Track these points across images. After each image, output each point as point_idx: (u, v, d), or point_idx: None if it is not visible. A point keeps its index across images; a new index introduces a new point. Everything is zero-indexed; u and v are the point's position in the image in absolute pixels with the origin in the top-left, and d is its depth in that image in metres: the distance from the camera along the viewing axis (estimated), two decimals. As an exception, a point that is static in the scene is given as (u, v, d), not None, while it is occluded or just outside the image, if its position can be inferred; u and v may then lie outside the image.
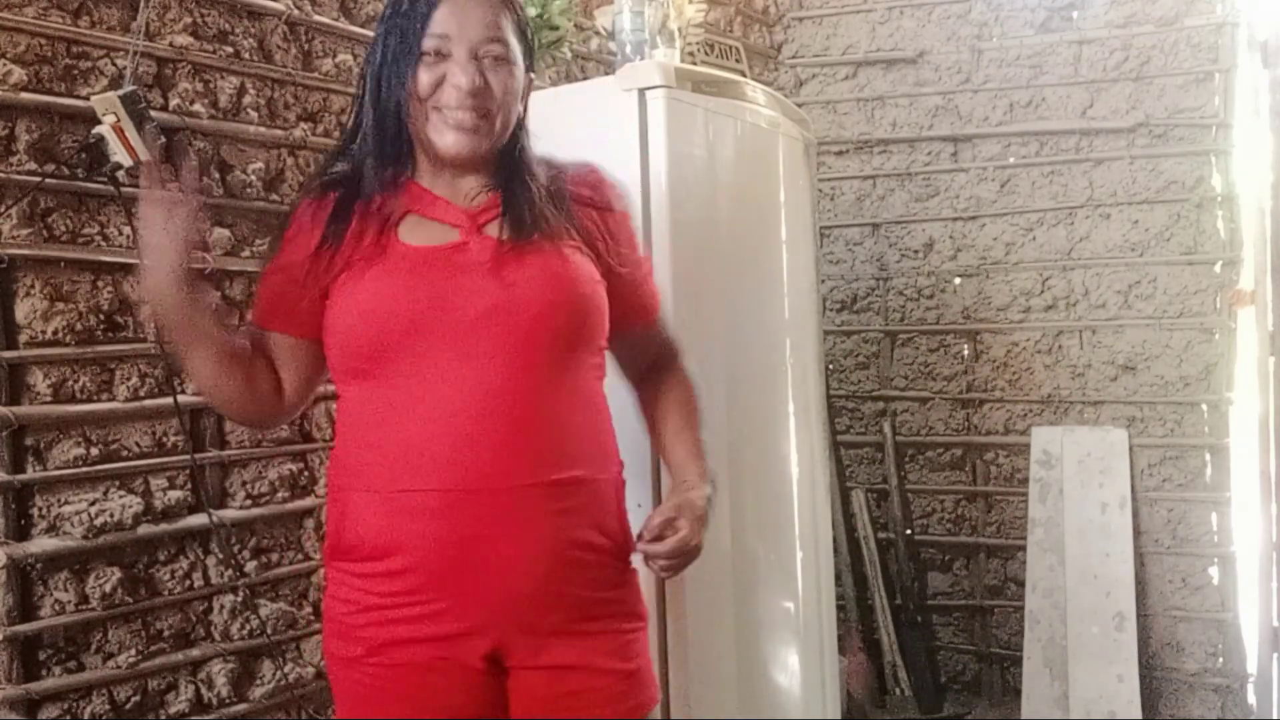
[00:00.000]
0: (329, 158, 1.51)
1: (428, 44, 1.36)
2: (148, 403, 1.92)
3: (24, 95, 1.75)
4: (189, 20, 2.02)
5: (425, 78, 1.37)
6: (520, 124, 1.45)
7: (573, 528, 1.36)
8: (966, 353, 3.70)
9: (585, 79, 2.86)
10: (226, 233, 2.07)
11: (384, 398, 1.34)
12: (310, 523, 2.23)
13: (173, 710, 1.96)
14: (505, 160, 1.43)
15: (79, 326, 1.83)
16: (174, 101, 1.99)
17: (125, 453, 1.90)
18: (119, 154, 1.80)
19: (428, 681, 1.35)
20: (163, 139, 1.89)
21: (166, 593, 1.95)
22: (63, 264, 1.80)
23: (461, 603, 1.33)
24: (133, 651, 1.89)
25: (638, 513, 1.47)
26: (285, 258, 1.43)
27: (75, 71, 1.84)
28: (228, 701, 2.03)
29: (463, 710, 1.36)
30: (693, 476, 1.48)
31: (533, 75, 1.48)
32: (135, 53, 1.89)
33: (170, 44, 1.98)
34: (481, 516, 1.31)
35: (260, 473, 2.13)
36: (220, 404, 1.50)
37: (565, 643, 1.37)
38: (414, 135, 1.40)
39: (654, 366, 1.59)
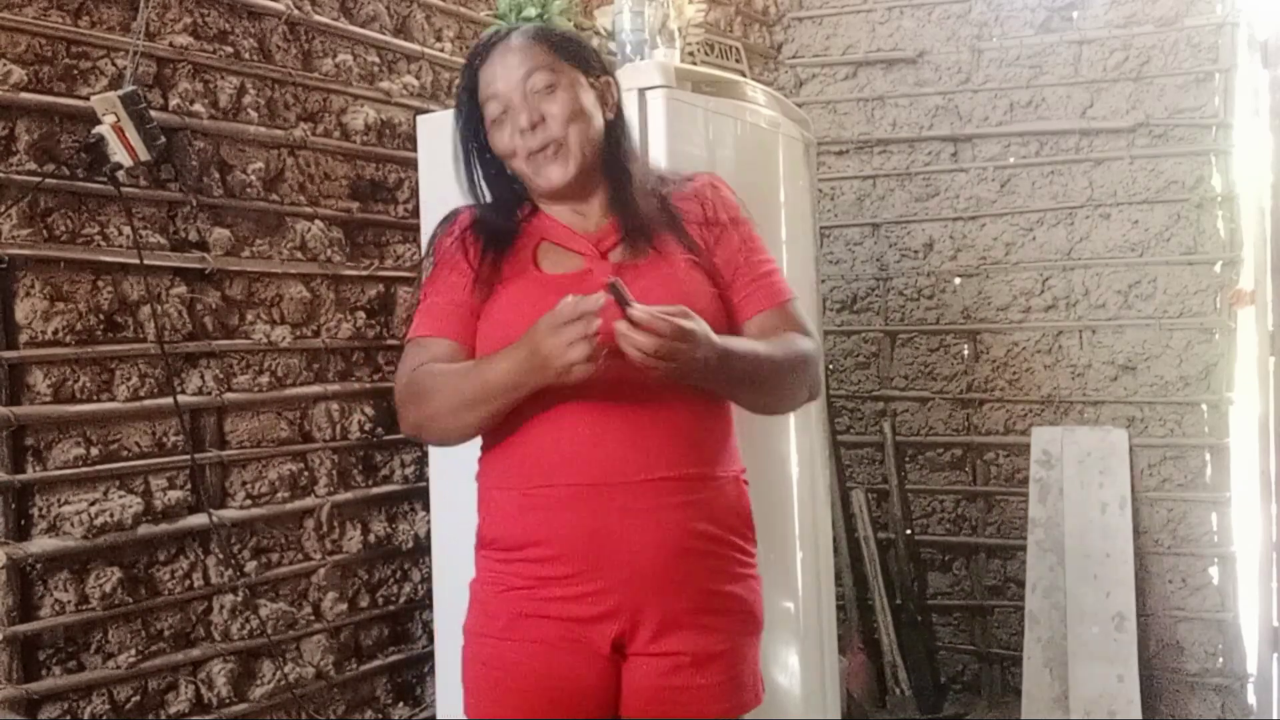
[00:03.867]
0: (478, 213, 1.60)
1: (491, 110, 1.51)
2: (148, 403, 1.92)
3: (24, 95, 1.75)
4: (189, 20, 2.02)
5: (500, 138, 1.51)
6: (616, 128, 1.55)
7: (693, 520, 1.45)
8: (966, 353, 3.70)
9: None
10: (226, 233, 2.07)
11: (521, 407, 1.42)
12: (310, 523, 2.23)
13: (173, 710, 1.96)
14: (613, 177, 1.54)
15: (79, 326, 1.83)
16: (174, 101, 1.99)
17: (125, 453, 1.90)
18: (119, 154, 1.81)
19: (556, 658, 1.45)
20: (163, 139, 1.89)
21: (166, 593, 1.95)
22: (63, 264, 1.80)
23: (597, 587, 1.42)
24: (133, 651, 1.89)
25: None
26: (454, 279, 1.53)
27: (75, 71, 1.84)
28: (228, 701, 2.03)
29: (586, 689, 1.46)
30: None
31: (608, 78, 1.56)
32: (135, 53, 1.89)
33: (170, 44, 1.98)
34: (608, 507, 1.42)
35: (260, 473, 2.13)
36: (463, 438, 1.55)
37: (685, 634, 1.45)
38: (523, 182, 1.55)
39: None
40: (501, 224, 1.55)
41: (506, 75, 1.49)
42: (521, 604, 1.46)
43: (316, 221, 2.26)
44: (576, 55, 1.53)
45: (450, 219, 1.60)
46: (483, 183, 1.58)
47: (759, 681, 1.55)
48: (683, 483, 1.44)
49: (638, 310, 1.29)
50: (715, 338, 1.37)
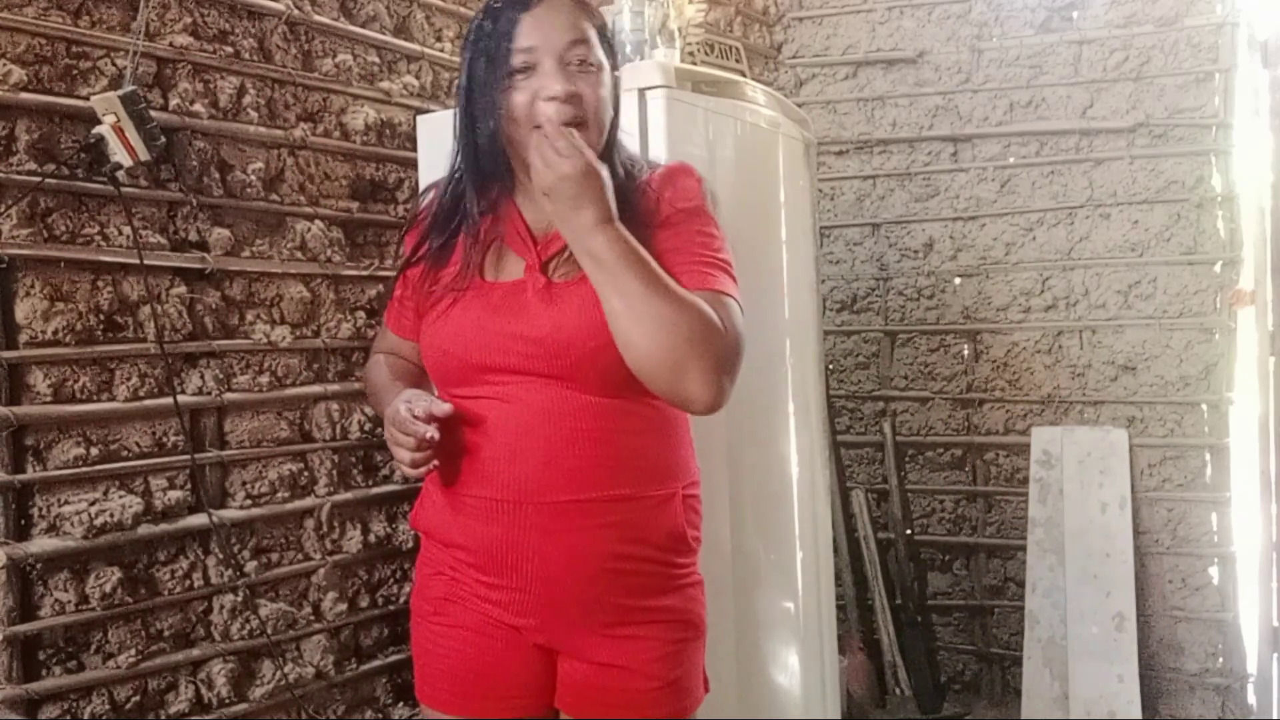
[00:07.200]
0: (447, 180, 1.53)
1: (516, 60, 1.37)
2: (148, 403, 1.92)
3: (24, 95, 1.75)
4: (189, 20, 2.02)
5: (519, 98, 1.38)
6: (614, 127, 1.46)
7: (614, 541, 1.40)
8: (966, 353, 3.71)
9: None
10: (226, 233, 2.07)
11: (460, 410, 1.42)
12: (310, 523, 2.23)
13: (173, 710, 1.96)
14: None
15: (79, 326, 1.83)
16: (174, 101, 1.99)
17: (125, 453, 1.90)
18: (119, 154, 1.81)
19: (481, 645, 1.46)
20: (163, 139, 1.89)
21: (166, 593, 1.95)
22: (63, 264, 1.80)
23: (517, 597, 1.42)
24: (133, 651, 1.89)
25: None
26: (410, 273, 1.55)
27: (75, 71, 1.84)
28: (228, 701, 2.03)
29: (513, 676, 1.47)
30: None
31: (618, 75, 1.48)
32: (135, 53, 1.89)
33: (170, 44, 1.98)
34: (522, 523, 1.40)
35: (260, 473, 2.13)
36: None
37: (608, 644, 1.43)
38: (514, 156, 1.43)
39: None
40: (460, 224, 1.47)
41: (549, 34, 1.37)
42: (449, 588, 1.48)
43: (316, 221, 2.26)
44: (609, 43, 1.46)
45: (421, 204, 1.56)
46: (471, 154, 1.45)
47: (702, 682, 1.51)
48: (604, 504, 1.39)
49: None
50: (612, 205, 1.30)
